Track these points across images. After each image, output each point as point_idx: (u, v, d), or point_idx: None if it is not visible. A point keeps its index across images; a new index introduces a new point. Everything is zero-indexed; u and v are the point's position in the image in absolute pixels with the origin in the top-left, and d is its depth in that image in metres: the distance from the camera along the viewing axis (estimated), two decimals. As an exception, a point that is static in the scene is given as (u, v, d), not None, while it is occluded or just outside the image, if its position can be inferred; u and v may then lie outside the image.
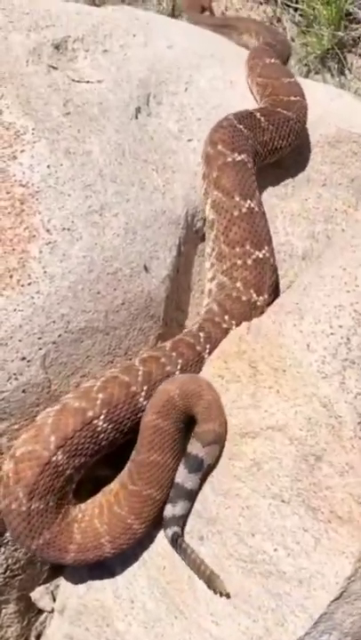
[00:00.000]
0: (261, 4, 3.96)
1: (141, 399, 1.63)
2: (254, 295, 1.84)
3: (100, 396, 1.60)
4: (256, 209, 1.92)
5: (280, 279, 2.07)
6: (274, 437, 1.57)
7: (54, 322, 1.61)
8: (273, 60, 2.52)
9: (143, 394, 1.63)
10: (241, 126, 2.06)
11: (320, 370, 1.54)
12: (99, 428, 1.59)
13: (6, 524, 1.60)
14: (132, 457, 1.66)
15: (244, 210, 1.89)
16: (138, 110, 2.09)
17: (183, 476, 1.62)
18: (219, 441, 1.61)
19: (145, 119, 2.11)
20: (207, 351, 1.75)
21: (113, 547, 1.63)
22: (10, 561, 1.76)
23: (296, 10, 3.87)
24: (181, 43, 2.44)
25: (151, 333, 1.79)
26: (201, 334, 1.77)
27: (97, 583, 1.75)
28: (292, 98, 2.30)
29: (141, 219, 1.80)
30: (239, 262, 1.87)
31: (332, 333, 1.56)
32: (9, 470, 1.57)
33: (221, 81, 2.43)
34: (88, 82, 2.04)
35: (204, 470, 1.62)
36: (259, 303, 1.84)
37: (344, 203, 2.39)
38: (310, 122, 2.43)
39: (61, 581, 1.88)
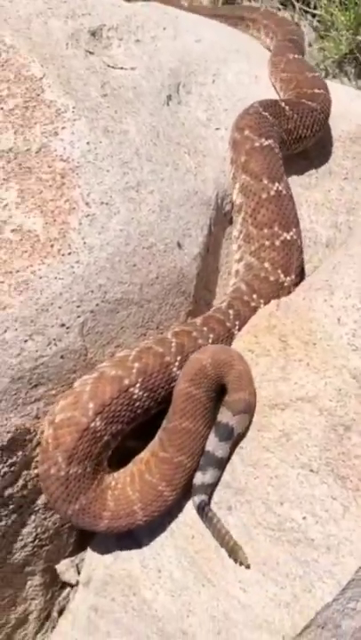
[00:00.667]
0: (280, 9, 4.05)
1: (175, 369, 1.67)
2: (282, 275, 1.89)
3: (136, 365, 1.65)
4: (284, 192, 1.97)
5: (305, 264, 2.11)
6: (303, 408, 1.61)
7: (92, 291, 1.65)
8: (296, 56, 2.59)
9: (177, 364, 1.67)
10: (266, 113, 2.12)
11: (350, 342, 1.59)
12: (135, 396, 1.63)
13: (43, 489, 1.63)
14: (164, 425, 1.69)
15: (272, 192, 1.94)
16: (169, 98, 2.15)
17: (214, 445, 1.65)
18: (249, 410, 1.65)
19: (176, 106, 2.17)
20: (237, 328, 1.79)
21: (145, 514, 1.66)
22: (39, 529, 1.78)
23: (314, 15, 3.95)
24: (209, 37, 2.51)
25: (182, 309, 1.83)
26: (230, 311, 1.82)
27: (124, 553, 1.78)
28: (316, 90, 2.37)
29: (175, 197, 1.85)
30: (267, 243, 1.91)
31: (362, 307, 1.61)
32: (48, 436, 1.60)
33: (247, 75, 2.49)
34: (122, 68, 2.10)
35: (234, 439, 1.66)
36: (286, 283, 1.89)
37: (365, 197, 2.45)
38: (332, 117, 2.49)
39: (87, 554, 1.91)
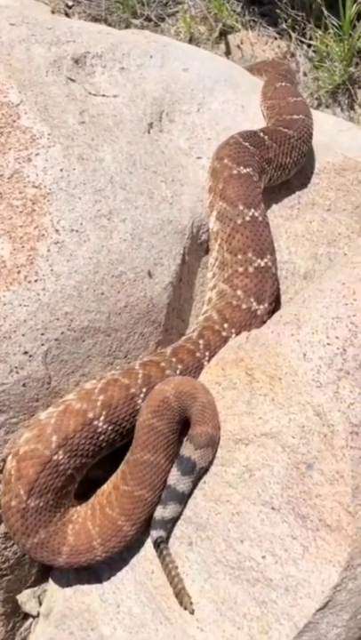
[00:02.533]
0: (276, 39, 4.08)
1: (140, 401, 1.65)
2: (254, 304, 1.88)
3: (101, 397, 1.63)
4: (260, 218, 1.96)
5: (281, 295, 2.10)
6: (267, 444, 1.59)
7: (58, 319, 1.64)
8: (283, 84, 2.61)
9: (142, 396, 1.66)
10: (247, 144, 2.12)
11: (315, 379, 1.57)
12: (99, 429, 1.62)
13: (4, 521, 1.61)
14: (126, 457, 1.67)
15: (247, 218, 1.94)
16: (150, 126, 2.15)
17: (176, 479, 1.63)
18: (212, 444, 1.63)
19: (157, 134, 2.17)
20: (207, 358, 1.78)
21: (104, 550, 1.63)
22: (-1, 559, 1.76)
23: (310, 46, 3.98)
24: (197, 67, 2.52)
25: (151, 339, 1.81)
26: (200, 341, 1.80)
27: (84, 586, 1.75)
28: (295, 116, 2.37)
29: (148, 226, 1.84)
30: (240, 269, 1.90)
31: (328, 344, 1.59)
32: (11, 468, 1.59)
33: (233, 104, 2.50)
34: (104, 95, 2.11)
35: (196, 473, 1.63)
36: (259, 312, 1.87)
37: (348, 228, 2.44)
38: (318, 148, 2.50)
39: (49, 585, 1.88)
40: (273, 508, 1.56)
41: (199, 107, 2.39)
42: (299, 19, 3.95)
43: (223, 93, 2.50)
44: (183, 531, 1.65)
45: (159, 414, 1.62)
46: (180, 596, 1.58)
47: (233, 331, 1.82)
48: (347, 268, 1.79)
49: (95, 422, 1.62)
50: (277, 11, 3.97)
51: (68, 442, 1.60)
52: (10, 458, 1.62)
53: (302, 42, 4.03)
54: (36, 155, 1.75)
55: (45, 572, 1.88)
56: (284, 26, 4.02)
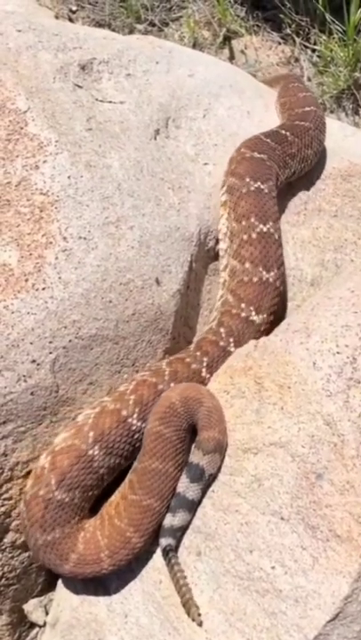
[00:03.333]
0: (280, 44, 4.08)
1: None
2: (264, 272, 1.90)
3: (132, 397, 1.67)
4: (266, 191, 2.00)
5: (288, 302, 2.09)
6: (276, 454, 1.58)
7: (65, 327, 1.63)
8: (295, 84, 2.67)
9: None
10: (268, 140, 2.18)
11: (325, 388, 1.56)
12: (133, 427, 1.64)
13: (26, 511, 1.61)
14: (134, 466, 1.66)
15: (252, 188, 1.99)
16: (157, 132, 2.15)
17: (185, 486, 1.62)
18: (220, 450, 1.61)
19: (163, 141, 2.17)
20: (232, 345, 1.80)
21: (111, 562, 1.62)
22: (6, 568, 1.74)
23: (314, 50, 3.98)
24: (203, 72, 2.52)
25: (159, 346, 1.81)
26: (221, 330, 1.82)
27: (91, 596, 1.73)
28: (306, 109, 2.44)
29: (156, 233, 1.83)
30: (245, 237, 1.93)
31: (338, 352, 1.58)
32: (45, 462, 1.61)
33: (239, 111, 2.50)
34: (111, 102, 2.11)
35: (205, 480, 1.62)
36: (271, 279, 1.90)
37: (354, 234, 2.43)
38: (322, 155, 2.50)
39: (56, 594, 1.86)
40: (282, 518, 1.54)
41: (205, 112, 2.39)
42: (303, 24, 3.94)
43: (229, 99, 2.50)
44: (192, 540, 1.64)
45: (166, 421, 1.61)
46: (188, 606, 1.56)
47: (251, 308, 1.84)
48: (356, 275, 1.78)
49: (129, 420, 1.64)
50: (281, 16, 3.96)
51: (105, 437, 1.62)
52: (44, 456, 1.64)
53: (306, 47, 4.02)
54: (44, 162, 1.75)
55: (52, 582, 1.86)
56: (288, 31, 4.02)
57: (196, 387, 1.68)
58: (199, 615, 1.55)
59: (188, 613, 1.55)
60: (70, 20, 4.19)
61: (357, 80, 3.75)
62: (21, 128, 1.78)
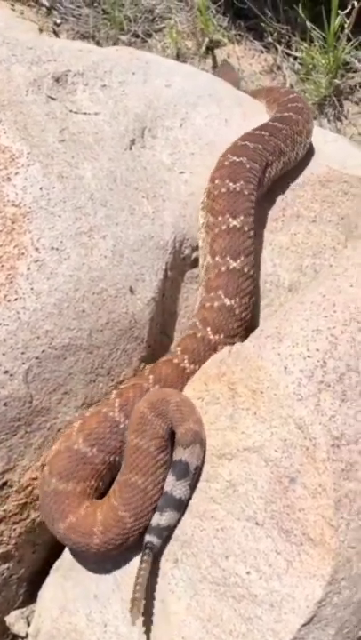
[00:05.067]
0: (262, 52, 4.12)
1: None
2: (231, 261, 1.95)
3: (118, 400, 1.71)
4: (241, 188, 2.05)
5: (265, 308, 2.10)
6: (250, 459, 1.58)
7: (38, 337, 1.64)
8: (282, 90, 2.84)
9: (157, 387, 1.74)
10: (259, 131, 2.27)
11: (296, 392, 1.56)
12: (121, 425, 1.68)
13: (50, 461, 1.68)
14: (117, 477, 1.67)
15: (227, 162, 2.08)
16: (132, 142, 2.16)
17: (172, 484, 1.61)
18: (198, 440, 1.61)
19: (139, 150, 2.18)
20: (209, 333, 1.85)
21: (103, 539, 1.63)
22: (-15, 580, 1.75)
23: (296, 58, 4.01)
24: (180, 82, 2.54)
25: (134, 355, 1.81)
26: (198, 323, 1.87)
27: (70, 606, 1.74)
28: (290, 96, 2.62)
29: (129, 242, 1.85)
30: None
31: (308, 356, 1.59)
32: (76, 424, 1.71)
33: (217, 119, 2.52)
34: (85, 113, 2.12)
35: (192, 474, 1.61)
36: (237, 266, 1.94)
37: (333, 239, 2.44)
38: (304, 160, 2.52)
39: (37, 605, 1.86)
40: (257, 523, 1.55)
41: (182, 122, 2.41)
42: (284, 32, 3.98)
43: (207, 108, 2.52)
44: (169, 548, 1.64)
45: (140, 432, 1.61)
46: (133, 604, 1.53)
47: (220, 293, 1.92)
48: (328, 279, 1.79)
49: (112, 414, 1.70)
50: (263, 25, 4.00)
51: (93, 433, 1.68)
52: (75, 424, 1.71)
53: (288, 55, 4.06)
54: (16, 174, 1.76)
55: (33, 593, 1.86)
56: (270, 39, 4.06)
57: (160, 390, 1.69)
58: (137, 617, 1.53)
59: (130, 609, 1.53)
60: (55, 32, 4.23)
61: (339, 87, 3.78)
62: (-7, 141, 1.79)
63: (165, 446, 1.66)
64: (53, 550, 1.81)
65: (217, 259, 1.96)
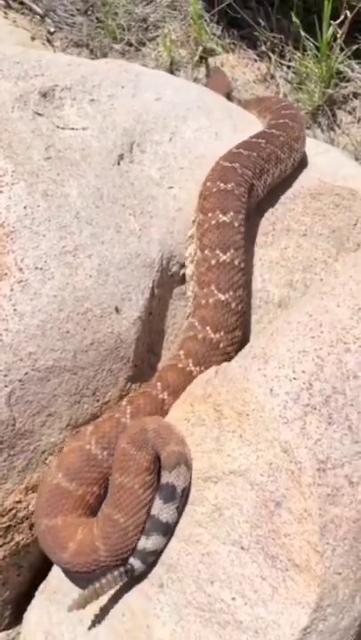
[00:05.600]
0: (256, 61, 4.10)
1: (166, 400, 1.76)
2: (221, 254, 1.96)
3: (129, 407, 1.73)
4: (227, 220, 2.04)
5: (255, 325, 2.08)
6: (235, 482, 1.56)
7: (21, 359, 1.62)
8: (269, 96, 2.97)
9: (166, 394, 1.76)
10: (255, 139, 2.29)
11: (282, 414, 1.54)
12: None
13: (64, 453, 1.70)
14: (103, 506, 1.66)
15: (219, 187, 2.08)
16: (121, 157, 2.15)
17: (159, 508, 1.60)
18: (183, 461, 1.59)
19: (127, 166, 2.16)
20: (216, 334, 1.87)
21: (106, 549, 1.62)
22: (-30, 604, 1.73)
23: (289, 67, 4.00)
24: (170, 95, 2.52)
25: (121, 375, 1.80)
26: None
27: (55, 630, 1.71)
28: (283, 103, 2.65)
29: (115, 261, 1.83)
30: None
31: (294, 378, 1.57)
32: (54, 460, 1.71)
33: (207, 132, 2.50)
34: (73, 129, 2.11)
35: (179, 497, 1.59)
36: (227, 259, 1.96)
37: (324, 253, 2.43)
38: (294, 173, 2.50)
39: (22, 628, 1.84)
40: (242, 548, 1.53)
41: (172, 136, 2.39)
42: (277, 41, 3.97)
43: (196, 121, 2.50)
44: (155, 572, 1.62)
45: (124, 469, 1.60)
46: (81, 598, 1.55)
47: (212, 288, 1.93)
48: (315, 298, 1.77)
49: (123, 420, 1.71)
50: (256, 33, 3.99)
51: (105, 435, 1.70)
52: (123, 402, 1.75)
53: (282, 64, 4.04)
54: (0, 193, 1.74)
55: (19, 615, 1.85)
56: (263, 48, 4.04)
57: (136, 421, 1.68)
58: (73, 606, 1.55)
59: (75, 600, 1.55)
60: (48, 40, 4.21)
61: (332, 96, 3.76)
62: (-23, 159, 1.78)
63: (151, 481, 1.63)
64: (39, 572, 1.80)
65: (206, 252, 1.96)
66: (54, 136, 2.00)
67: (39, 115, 2.04)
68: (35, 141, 1.92)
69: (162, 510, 1.61)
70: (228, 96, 3.61)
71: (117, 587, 1.59)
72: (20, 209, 1.74)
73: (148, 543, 1.61)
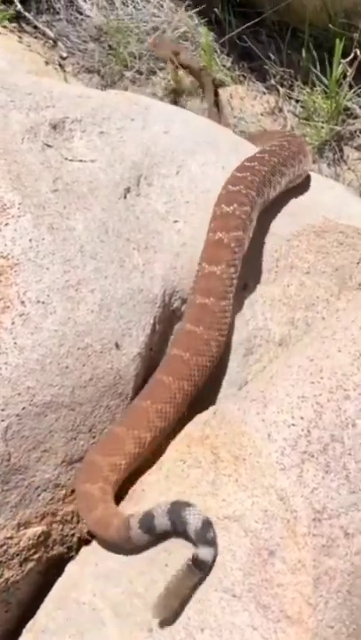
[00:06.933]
0: (265, 94, 4.14)
1: None
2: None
3: None
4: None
5: (255, 364, 2.07)
6: (230, 528, 1.55)
7: (19, 394, 1.61)
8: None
9: None
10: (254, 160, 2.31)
11: (279, 461, 1.53)
12: None
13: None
14: None
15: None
16: (127, 190, 2.16)
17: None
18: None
19: (134, 199, 2.17)
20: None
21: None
22: None
23: (298, 101, 4.04)
24: (178, 128, 2.54)
25: (118, 411, 1.79)
26: None
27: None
28: (287, 133, 2.74)
29: (117, 296, 1.83)
30: None
31: (293, 424, 1.56)
32: None
33: (213, 166, 2.51)
34: (81, 161, 2.12)
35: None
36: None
37: (326, 291, 2.42)
38: (299, 210, 2.51)
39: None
40: (234, 596, 1.51)
41: (179, 169, 2.40)
42: (286, 75, 4.01)
43: (204, 155, 2.51)
44: (143, 616, 1.59)
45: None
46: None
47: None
48: (316, 342, 1.77)
49: None
50: (266, 67, 4.03)
51: None
52: None
53: (290, 97, 4.08)
54: (6, 225, 1.75)
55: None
56: (272, 81, 4.08)
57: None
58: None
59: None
60: (60, 65, 4.26)
61: (339, 132, 3.79)
62: (-16, 190, 1.78)
63: None
64: (27, 609, 1.77)
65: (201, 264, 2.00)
66: (62, 168, 2.01)
67: (49, 146, 2.05)
68: (43, 173, 1.93)
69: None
70: (178, 56, 3.81)
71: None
72: (25, 241, 1.74)
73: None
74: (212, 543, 1.52)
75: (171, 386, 1.77)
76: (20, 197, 1.80)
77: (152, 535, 1.57)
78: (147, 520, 1.56)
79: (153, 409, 1.72)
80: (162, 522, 1.55)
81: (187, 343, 1.85)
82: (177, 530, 1.55)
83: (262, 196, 2.23)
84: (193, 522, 1.52)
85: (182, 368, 1.80)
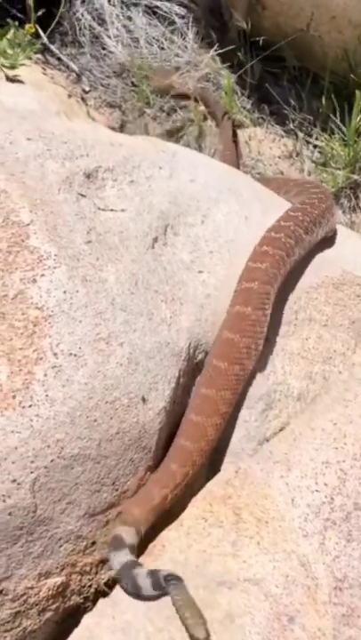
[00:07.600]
0: (283, 137, 4.22)
1: None
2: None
3: None
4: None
5: (274, 419, 2.10)
6: (250, 590, 1.57)
7: (49, 446, 1.64)
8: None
9: None
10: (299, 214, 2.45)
11: (301, 527, 1.56)
12: None
13: None
14: None
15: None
16: (155, 240, 2.20)
17: None
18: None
19: (161, 249, 2.22)
20: None
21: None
22: None
23: (315, 147, 4.11)
24: (203, 176, 2.59)
25: (141, 464, 1.81)
26: None
27: None
28: (307, 183, 2.89)
29: (145, 349, 1.87)
30: None
31: (316, 490, 1.59)
32: None
33: (237, 216, 2.56)
34: (112, 210, 2.17)
35: None
36: None
37: (343, 344, 2.47)
38: (318, 262, 2.56)
39: None
40: (252, 660, 1.52)
41: (203, 218, 2.45)
42: (306, 121, 4.09)
43: (227, 204, 2.56)
44: (160, 673, 1.61)
45: None
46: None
47: None
48: (339, 405, 1.81)
49: None
50: (285, 111, 4.11)
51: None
52: None
53: (308, 142, 4.16)
54: (42, 276, 1.79)
55: None
56: (291, 126, 4.16)
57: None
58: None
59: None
60: (83, 99, 4.33)
61: (356, 180, 3.86)
62: (22, 240, 1.82)
63: None
64: (41, 658, 1.78)
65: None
66: (95, 219, 2.06)
67: (82, 196, 2.10)
68: (77, 224, 1.97)
69: None
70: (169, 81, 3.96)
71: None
72: (59, 293, 1.78)
73: None
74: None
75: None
76: (56, 249, 1.84)
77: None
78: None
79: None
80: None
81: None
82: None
83: (293, 255, 2.30)
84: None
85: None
